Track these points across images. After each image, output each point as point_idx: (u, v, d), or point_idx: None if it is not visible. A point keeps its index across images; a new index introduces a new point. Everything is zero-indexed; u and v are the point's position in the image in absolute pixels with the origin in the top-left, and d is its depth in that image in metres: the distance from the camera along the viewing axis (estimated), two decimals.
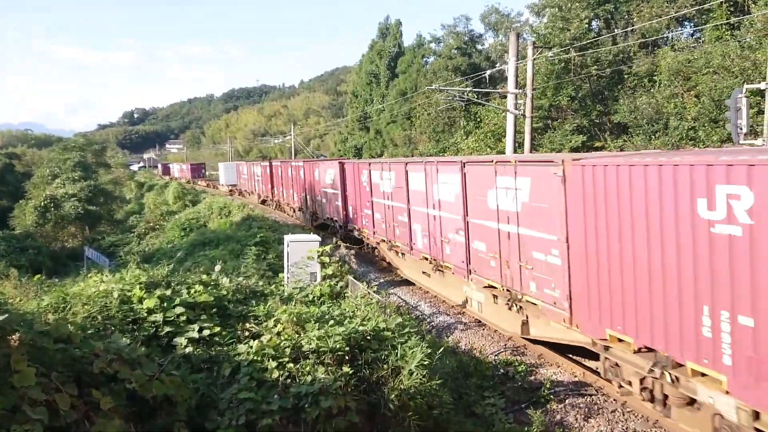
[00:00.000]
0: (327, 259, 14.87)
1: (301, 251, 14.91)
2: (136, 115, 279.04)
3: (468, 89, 30.08)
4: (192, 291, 8.67)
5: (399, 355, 7.33)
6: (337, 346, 7.11)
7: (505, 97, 24.81)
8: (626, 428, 9.00)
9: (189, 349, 7.30)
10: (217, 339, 7.74)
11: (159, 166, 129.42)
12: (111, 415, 5.21)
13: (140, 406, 5.74)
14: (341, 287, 13.34)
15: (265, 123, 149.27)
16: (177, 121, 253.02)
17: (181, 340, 7.44)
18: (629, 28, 28.08)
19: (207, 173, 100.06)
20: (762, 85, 15.01)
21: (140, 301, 7.99)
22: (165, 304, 7.98)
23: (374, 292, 12.58)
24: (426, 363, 7.30)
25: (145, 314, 7.76)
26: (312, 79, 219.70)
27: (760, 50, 19.49)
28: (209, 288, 9.14)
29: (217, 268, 11.00)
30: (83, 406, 5.20)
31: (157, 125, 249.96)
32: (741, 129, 14.95)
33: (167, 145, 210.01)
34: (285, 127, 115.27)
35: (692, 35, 28.63)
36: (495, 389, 10.24)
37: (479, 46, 47.95)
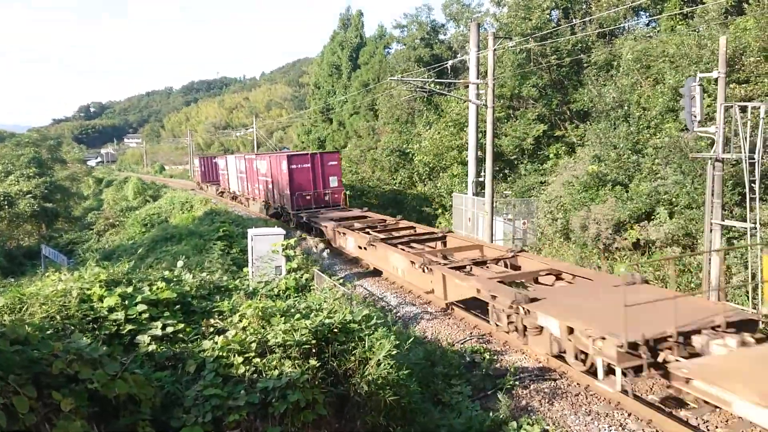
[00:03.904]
0: (292, 252, 14.80)
1: (266, 245, 14.79)
2: (92, 109, 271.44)
3: (430, 80, 30.15)
4: (154, 288, 8.53)
5: (366, 346, 7.34)
6: (304, 340, 7.09)
7: (467, 87, 24.98)
8: (589, 411, 9.20)
9: (152, 347, 7.19)
10: (181, 336, 7.64)
11: (198, 164, 62.81)
12: (72, 417, 5.10)
13: (103, 406, 5.63)
14: (307, 280, 13.30)
15: (226, 115, 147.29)
16: (135, 114, 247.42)
17: (143, 338, 7.31)
18: (587, 18, 28.50)
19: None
20: (715, 74, 15.40)
21: (100, 299, 7.82)
22: (126, 302, 7.83)
23: (340, 284, 12.56)
24: (394, 353, 7.34)
25: (106, 313, 7.60)
26: (273, 71, 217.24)
27: (714, 39, 19.99)
28: (172, 284, 9.01)
29: (180, 263, 10.85)
30: (43, 408, 5.09)
31: (115, 119, 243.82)
32: (695, 117, 15.34)
33: (126, 140, 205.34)
34: (247, 119, 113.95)
35: (647, 25, 29.22)
36: (461, 377, 10.35)
37: (441, 36, 48.09)
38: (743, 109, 15.41)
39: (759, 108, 14.69)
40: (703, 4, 22.79)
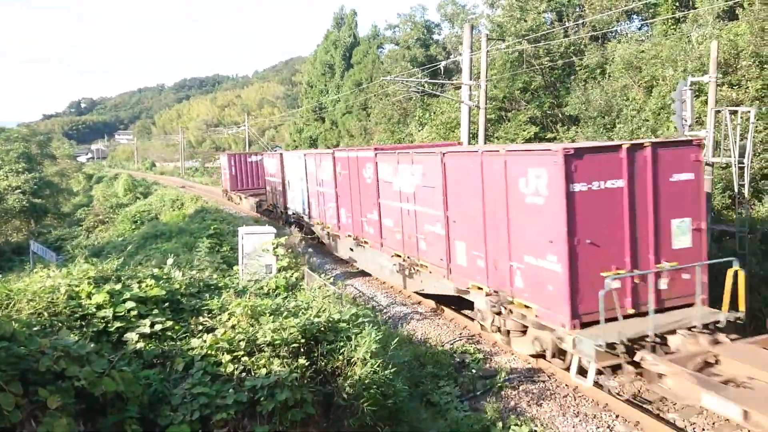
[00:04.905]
0: (282, 251, 14.77)
1: (256, 243, 14.75)
2: (83, 105, 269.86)
3: (423, 80, 30.16)
4: (143, 285, 8.47)
5: (354, 346, 7.34)
6: (293, 338, 7.08)
7: (460, 88, 25.03)
8: (577, 412, 9.24)
9: (140, 345, 7.14)
10: (169, 333, 7.59)
11: (226, 164, 41.40)
12: (58, 414, 5.07)
13: (90, 404, 5.60)
14: (297, 279, 13.27)
15: (218, 113, 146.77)
16: (126, 111, 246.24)
17: (132, 336, 7.26)
18: (580, 21, 28.61)
19: None
20: (706, 78, 15.51)
21: (89, 296, 7.76)
22: (115, 299, 7.77)
23: (330, 283, 12.56)
24: (377, 351, 7.34)
25: (94, 310, 7.54)
26: (266, 69, 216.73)
27: (704, 44, 20.13)
28: (161, 282, 8.94)
29: (170, 261, 10.78)
30: (29, 406, 5.05)
31: (106, 115, 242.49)
32: (686, 121, 15.45)
33: (116, 136, 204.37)
34: (239, 117, 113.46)
35: (639, 29, 29.39)
36: (451, 378, 10.38)
37: (435, 36, 48.17)
38: (734, 113, 15.52)
39: (749, 112, 14.80)
40: (695, 8, 22.94)
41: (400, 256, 15.52)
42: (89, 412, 5.62)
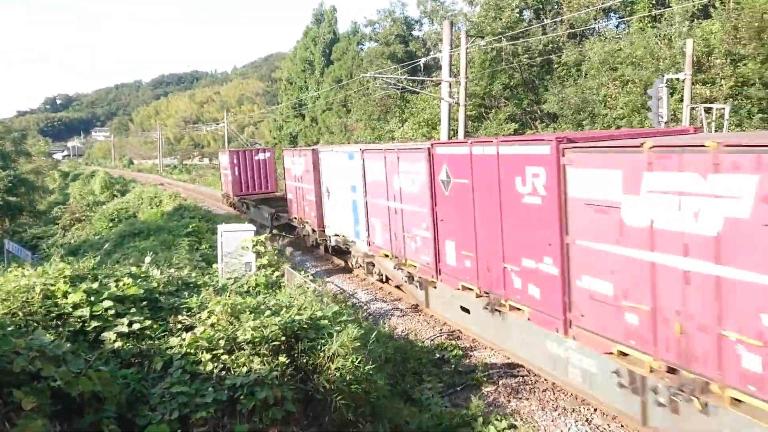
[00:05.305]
0: (262, 249, 14.69)
1: (236, 241, 14.65)
2: (59, 101, 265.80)
3: (403, 77, 30.19)
4: (121, 284, 8.37)
5: (333, 342, 7.34)
6: (273, 336, 7.04)
7: (439, 84, 25.10)
8: (556, 406, 9.33)
9: (118, 344, 7.05)
10: (148, 333, 7.51)
11: (227, 162, 33.46)
12: (33, 415, 4.99)
13: (66, 404, 5.52)
14: (277, 277, 13.23)
15: (197, 110, 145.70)
16: (103, 107, 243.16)
17: (109, 335, 7.17)
18: (558, 19, 28.84)
19: None
20: (681, 75, 15.74)
21: (65, 295, 7.65)
22: (92, 298, 7.67)
23: (311, 280, 12.53)
24: (358, 347, 7.34)
25: (71, 309, 7.43)
26: (245, 66, 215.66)
27: (675, 42, 20.45)
28: (139, 280, 8.85)
29: (148, 259, 10.66)
30: (3, 407, 4.97)
31: (82, 112, 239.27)
32: (662, 117, 15.66)
33: (93, 133, 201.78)
34: (218, 114, 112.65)
35: (617, 26, 29.71)
36: (431, 374, 10.42)
37: (415, 32, 48.24)
38: (708, 110, 15.76)
39: (723, 109, 15.06)
40: (670, 7, 23.26)
41: (625, 355, 7.80)
42: (65, 413, 5.53)
